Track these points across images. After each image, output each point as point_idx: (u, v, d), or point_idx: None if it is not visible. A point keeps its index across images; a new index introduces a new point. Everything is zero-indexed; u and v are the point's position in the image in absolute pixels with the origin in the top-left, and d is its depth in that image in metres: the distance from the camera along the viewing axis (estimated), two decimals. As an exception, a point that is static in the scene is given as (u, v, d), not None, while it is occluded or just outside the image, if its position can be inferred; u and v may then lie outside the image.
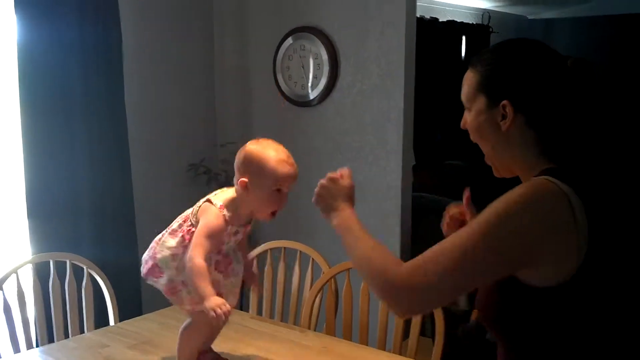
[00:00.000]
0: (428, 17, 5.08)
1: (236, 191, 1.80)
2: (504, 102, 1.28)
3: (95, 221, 3.19)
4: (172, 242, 1.81)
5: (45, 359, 2.07)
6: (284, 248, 2.62)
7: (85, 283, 2.49)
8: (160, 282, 1.85)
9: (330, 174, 1.54)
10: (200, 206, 1.82)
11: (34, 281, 2.43)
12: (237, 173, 1.79)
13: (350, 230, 1.43)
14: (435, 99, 5.22)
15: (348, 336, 2.36)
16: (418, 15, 4.68)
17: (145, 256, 1.87)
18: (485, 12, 5.88)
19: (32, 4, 2.88)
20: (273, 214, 1.80)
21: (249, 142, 1.80)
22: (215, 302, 1.67)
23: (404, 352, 2.18)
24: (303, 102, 3.61)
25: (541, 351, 1.24)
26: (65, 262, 2.51)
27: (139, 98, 3.50)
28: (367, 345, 2.26)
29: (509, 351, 1.30)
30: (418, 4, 3.98)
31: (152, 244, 1.87)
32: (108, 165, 3.23)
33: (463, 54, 5.60)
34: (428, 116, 5.08)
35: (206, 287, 1.70)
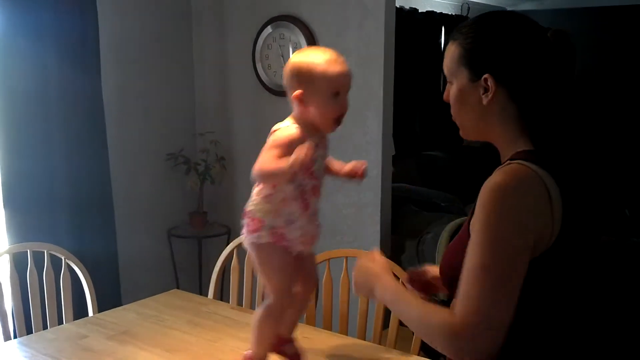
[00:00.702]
0: (407, 8, 5.08)
1: (294, 112, 1.69)
2: (486, 75, 1.28)
3: (73, 211, 3.17)
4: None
5: (23, 351, 2.05)
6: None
7: (64, 273, 2.47)
8: (263, 235, 1.71)
9: (361, 260, 1.48)
10: (268, 139, 1.68)
11: (11, 272, 2.41)
12: (289, 91, 1.68)
13: (396, 301, 1.35)
14: (415, 89, 5.23)
15: (328, 326, 2.37)
16: (397, 6, 4.68)
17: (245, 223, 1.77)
18: (465, 3, 5.90)
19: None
20: (337, 121, 1.67)
21: (292, 55, 1.68)
22: (292, 157, 1.54)
23: (383, 342, 2.19)
24: (282, 92, 3.59)
25: (517, 319, 1.26)
26: (43, 253, 2.48)
27: (117, 88, 3.47)
28: (347, 335, 2.27)
29: None
30: (398, -6, 3.99)
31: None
32: (85, 155, 3.20)
33: (442, 44, 5.60)
34: (407, 106, 5.09)
35: (278, 163, 1.58)
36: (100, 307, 2.49)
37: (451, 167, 5.38)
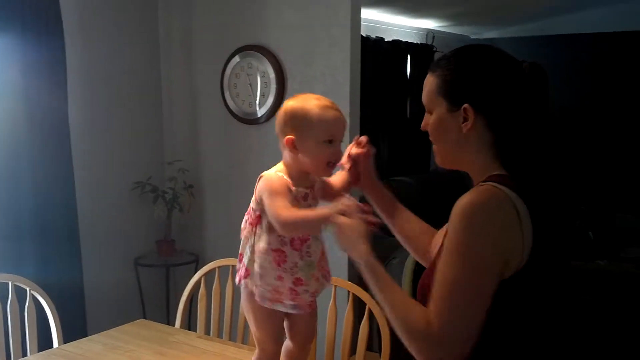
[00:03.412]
0: (374, 37, 5.16)
1: (285, 158, 1.63)
2: (465, 105, 1.32)
3: (39, 241, 3.13)
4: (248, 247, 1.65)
5: (-15, 384, 2.02)
6: (232, 266, 2.61)
7: (28, 305, 2.44)
8: (248, 284, 1.64)
9: (347, 219, 1.45)
10: (256, 186, 1.63)
11: (-26, 303, 2.37)
12: (280, 136, 1.61)
13: (381, 277, 1.37)
14: (382, 116, 5.29)
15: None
16: (364, 35, 4.75)
17: (239, 268, 1.69)
18: (430, 32, 6.01)
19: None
20: (330, 166, 1.61)
21: (286, 101, 1.65)
22: (335, 207, 1.46)
23: (352, 368, 2.20)
24: (251, 120, 3.63)
25: (486, 339, 1.30)
26: (8, 284, 2.44)
27: (84, 116, 3.45)
28: (315, 361, 2.27)
29: None
30: (364, 23, 4.05)
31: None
32: (51, 183, 3.18)
33: (408, 72, 5.69)
34: (375, 133, 5.14)
35: (314, 212, 1.55)
36: (66, 338, 2.46)
37: (419, 192, 5.43)
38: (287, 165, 1.64)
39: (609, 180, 6.34)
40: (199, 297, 2.54)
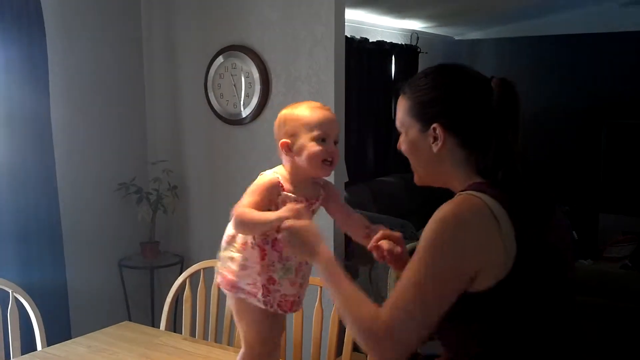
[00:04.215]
0: (358, 37, 5.16)
1: (284, 163, 1.69)
2: (435, 125, 1.35)
3: (21, 243, 3.10)
4: (226, 237, 1.71)
5: (-33, 388, 1.99)
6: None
7: (11, 307, 2.41)
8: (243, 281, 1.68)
9: (297, 222, 1.52)
10: None
11: (-45, 307, 2.34)
12: (277, 142, 1.67)
13: (333, 273, 1.43)
14: (367, 116, 5.30)
15: (282, 354, 2.36)
16: (348, 35, 4.76)
17: (219, 278, 1.74)
18: (414, 33, 6.03)
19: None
20: (327, 164, 1.64)
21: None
22: (281, 212, 1.54)
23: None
24: (235, 121, 3.62)
25: (472, 352, 1.30)
26: (-11, 287, 2.42)
27: (66, 116, 3.43)
28: (301, 362, 2.27)
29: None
30: (348, 24, 4.06)
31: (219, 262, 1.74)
32: (33, 185, 3.15)
33: (393, 73, 5.71)
34: (360, 133, 5.15)
35: (262, 214, 1.57)
36: (49, 340, 2.43)
37: (404, 192, 5.44)
38: (287, 172, 1.69)
39: (593, 180, 6.40)
40: (184, 298, 2.53)
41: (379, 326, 1.26)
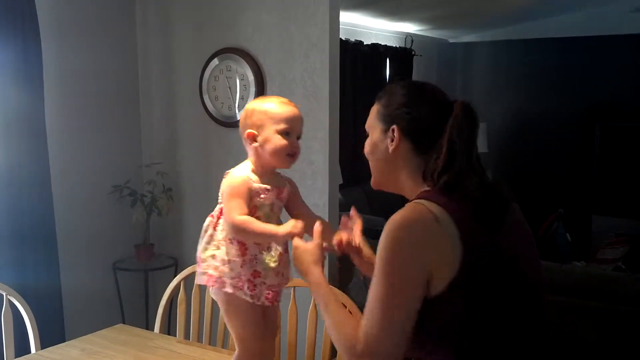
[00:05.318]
0: (353, 40, 5.18)
1: (250, 155, 1.76)
2: (394, 126, 1.45)
3: (15, 246, 3.09)
4: (206, 238, 1.76)
5: (-39, 391, 1.99)
6: (212, 269, 2.60)
7: (5, 310, 2.41)
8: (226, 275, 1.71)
9: (301, 244, 1.63)
10: (222, 182, 1.76)
11: (-51, 309, 2.34)
12: (243, 133, 1.74)
13: (323, 295, 1.53)
14: (361, 118, 5.31)
15: (277, 355, 2.36)
16: (343, 38, 4.77)
17: (199, 273, 1.76)
18: (409, 36, 6.05)
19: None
20: (290, 157, 1.72)
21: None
22: (286, 228, 1.62)
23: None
24: (230, 123, 3.62)
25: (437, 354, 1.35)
26: (-17, 289, 2.42)
27: (61, 118, 3.42)
28: (295, 364, 2.27)
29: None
30: (343, 27, 4.07)
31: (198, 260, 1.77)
32: (28, 188, 3.14)
33: (387, 75, 5.72)
34: (355, 136, 5.16)
35: (266, 226, 1.65)
36: (43, 343, 2.43)
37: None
38: (252, 163, 1.76)
39: (586, 182, 6.43)
40: (178, 301, 2.53)
41: (359, 347, 1.34)
